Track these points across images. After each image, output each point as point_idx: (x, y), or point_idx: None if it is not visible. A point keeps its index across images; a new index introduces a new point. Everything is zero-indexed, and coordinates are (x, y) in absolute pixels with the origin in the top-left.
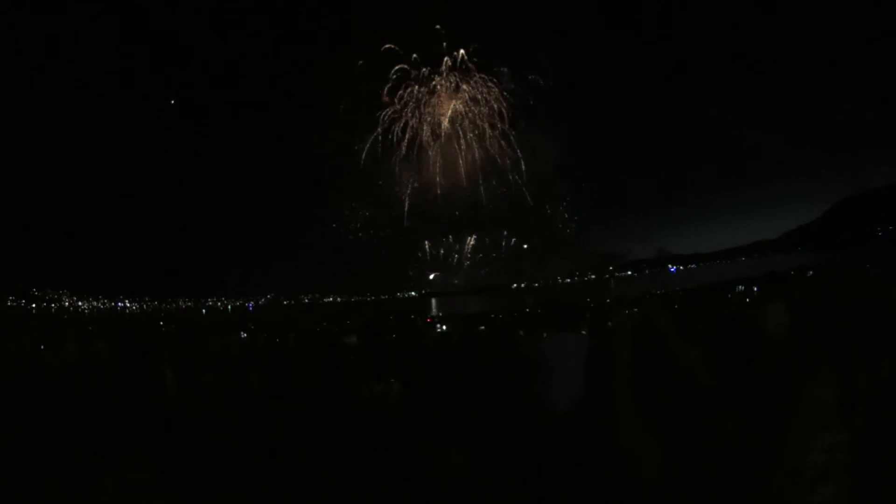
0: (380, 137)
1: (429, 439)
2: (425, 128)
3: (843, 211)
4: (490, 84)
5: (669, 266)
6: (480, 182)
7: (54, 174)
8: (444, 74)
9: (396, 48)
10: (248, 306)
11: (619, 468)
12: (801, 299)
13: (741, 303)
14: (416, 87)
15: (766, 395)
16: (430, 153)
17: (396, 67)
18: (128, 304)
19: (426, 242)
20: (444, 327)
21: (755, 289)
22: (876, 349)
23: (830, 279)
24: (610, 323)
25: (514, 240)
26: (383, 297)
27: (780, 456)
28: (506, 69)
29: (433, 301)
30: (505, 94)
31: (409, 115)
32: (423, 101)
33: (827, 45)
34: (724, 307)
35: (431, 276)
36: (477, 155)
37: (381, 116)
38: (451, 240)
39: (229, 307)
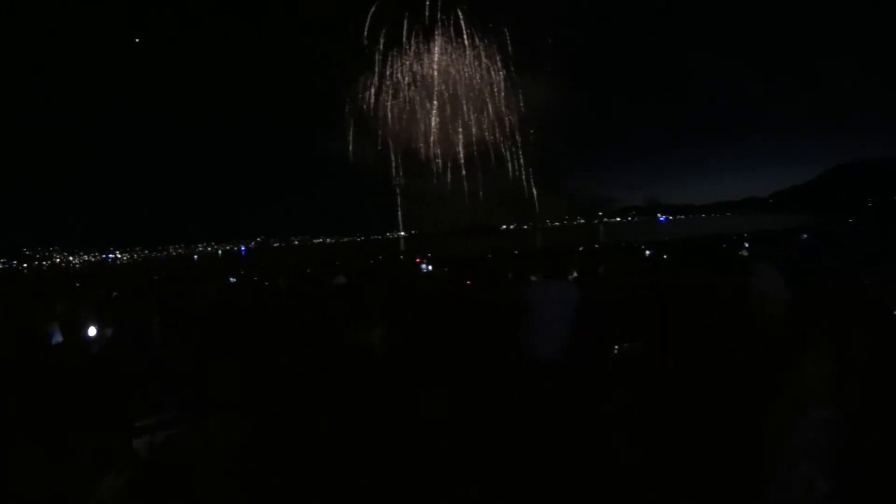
0: (372, 93)
1: (412, 380)
2: (418, 84)
3: (837, 177)
4: (485, 40)
5: (659, 215)
6: (472, 128)
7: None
8: (438, 33)
9: (387, 7)
10: (241, 250)
11: (602, 415)
12: (791, 262)
13: (731, 261)
14: (409, 45)
15: (755, 359)
16: (424, 107)
17: (386, 28)
18: (118, 255)
19: (415, 183)
20: (431, 268)
21: (746, 245)
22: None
23: (821, 244)
24: (600, 270)
25: (503, 182)
26: (373, 238)
27: (768, 428)
28: (501, 26)
29: (421, 242)
30: (499, 48)
31: (402, 73)
32: (415, 60)
33: (839, 13)
34: (713, 264)
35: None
36: (470, 106)
37: (371, 78)
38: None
39: (219, 252)
